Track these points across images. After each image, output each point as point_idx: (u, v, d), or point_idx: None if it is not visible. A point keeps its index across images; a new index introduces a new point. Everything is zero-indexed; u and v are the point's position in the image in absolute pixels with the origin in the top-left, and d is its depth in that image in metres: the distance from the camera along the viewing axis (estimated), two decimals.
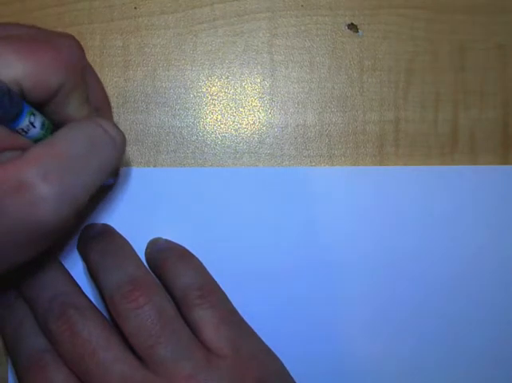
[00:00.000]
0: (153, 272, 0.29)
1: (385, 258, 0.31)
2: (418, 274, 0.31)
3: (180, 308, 0.27)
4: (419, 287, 0.31)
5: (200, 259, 0.29)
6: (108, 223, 0.30)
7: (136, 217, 0.30)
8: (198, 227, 0.30)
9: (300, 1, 0.31)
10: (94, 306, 0.27)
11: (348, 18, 0.32)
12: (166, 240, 0.30)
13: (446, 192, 0.31)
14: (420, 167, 0.31)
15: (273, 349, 0.28)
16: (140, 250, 0.29)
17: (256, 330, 0.28)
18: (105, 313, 0.28)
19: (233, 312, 0.28)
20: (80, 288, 0.28)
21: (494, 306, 0.31)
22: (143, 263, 0.28)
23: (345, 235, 0.31)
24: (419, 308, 0.31)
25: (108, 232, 0.29)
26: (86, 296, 0.27)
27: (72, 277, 0.28)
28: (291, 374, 0.28)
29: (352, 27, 0.32)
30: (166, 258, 0.28)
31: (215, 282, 0.28)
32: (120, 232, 0.29)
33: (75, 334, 0.25)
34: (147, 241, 0.30)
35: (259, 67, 0.31)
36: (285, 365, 0.28)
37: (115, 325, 0.27)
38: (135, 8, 0.31)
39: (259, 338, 0.28)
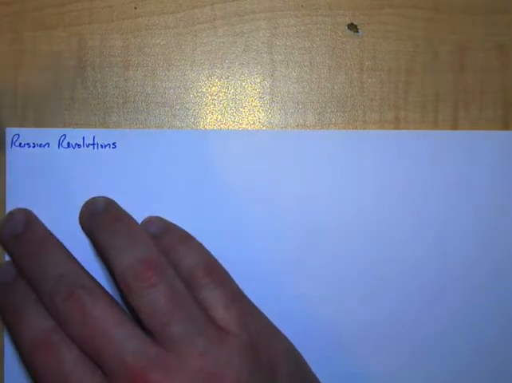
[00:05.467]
0: None
1: (384, 224, 0.31)
2: (419, 239, 0.31)
3: (187, 289, 0.27)
4: (418, 252, 0.31)
5: (193, 219, 0.30)
6: (107, 194, 0.30)
7: (131, 179, 0.30)
8: (190, 188, 0.30)
9: (300, 1, 0.31)
10: (101, 285, 0.27)
11: (348, 18, 0.32)
12: (161, 220, 0.30)
13: (445, 156, 0.31)
14: (420, 132, 0.31)
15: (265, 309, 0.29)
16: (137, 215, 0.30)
17: (253, 287, 0.29)
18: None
19: (239, 291, 0.28)
20: (84, 268, 0.28)
21: (495, 268, 0.31)
22: (152, 243, 0.28)
23: (341, 199, 0.31)
24: (418, 271, 0.31)
25: (114, 209, 0.29)
26: (92, 276, 0.28)
27: (74, 257, 0.28)
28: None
29: (352, 27, 0.32)
30: (168, 240, 0.29)
31: (218, 261, 0.29)
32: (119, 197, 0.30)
33: (85, 314, 0.26)
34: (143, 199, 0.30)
35: (259, 67, 0.31)
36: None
37: (125, 304, 0.27)
38: (135, 8, 0.31)
39: (266, 316, 0.28)
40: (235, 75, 0.31)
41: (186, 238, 0.29)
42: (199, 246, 0.29)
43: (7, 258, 0.29)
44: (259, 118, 0.31)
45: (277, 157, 0.31)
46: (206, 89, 0.31)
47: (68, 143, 0.30)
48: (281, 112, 0.31)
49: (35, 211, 0.30)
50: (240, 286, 0.29)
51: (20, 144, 0.30)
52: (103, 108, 0.31)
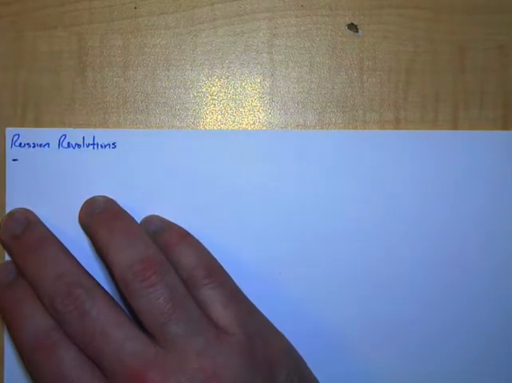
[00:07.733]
0: None
1: (384, 224, 0.31)
2: (419, 239, 0.31)
3: (186, 288, 0.27)
4: (419, 252, 0.31)
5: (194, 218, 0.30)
6: (107, 194, 0.30)
7: (131, 179, 0.30)
8: (190, 188, 0.30)
9: (300, 1, 0.31)
10: (100, 285, 0.28)
11: (348, 18, 0.32)
12: (161, 218, 0.30)
13: (445, 156, 0.31)
14: (418, 132, 0.31)
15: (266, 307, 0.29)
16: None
17: (251, 285, 0.29)
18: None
19: (238, 290, 0.28)
20: (83, 267, 0.28)
21: (495, 268, 0.31)
22: (152, 242, 0.28)
23: (341, 199, 0.31)
24: (418, 271, 0.31)
25: (114, 208, 0.29)
26: (91, 275, 0.28)
27: (74, 256, 0.28)
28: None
29: (352, 27, 0.32)
30: (167, 238, 0.29)
31: (217, 261, 0.29)
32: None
33: (84, 313, 0.26)
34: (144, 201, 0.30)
35: (259, 67, 0.31)
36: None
37: (124, 303, 0.27)
38: (135, 8, 0.31)
39: (265, 316, 0.29)
40: (235, 75, 0.31)
41: (185, 236, 0.29)
42: (199, 245, 0.29)
43: (7, 257, 0.29)
44: (259, 118, 0.31)
45: (277, 157, 0.31)
46: (206, 89, 0.31)
47: (69, 143, 0.30)
48: (281, 112, 0.31)
49: (35, 211, 0.30)
50: (239, 286, 0.29)
51: (20, 144, 0.30)
52: (103, 108, 0.31)
